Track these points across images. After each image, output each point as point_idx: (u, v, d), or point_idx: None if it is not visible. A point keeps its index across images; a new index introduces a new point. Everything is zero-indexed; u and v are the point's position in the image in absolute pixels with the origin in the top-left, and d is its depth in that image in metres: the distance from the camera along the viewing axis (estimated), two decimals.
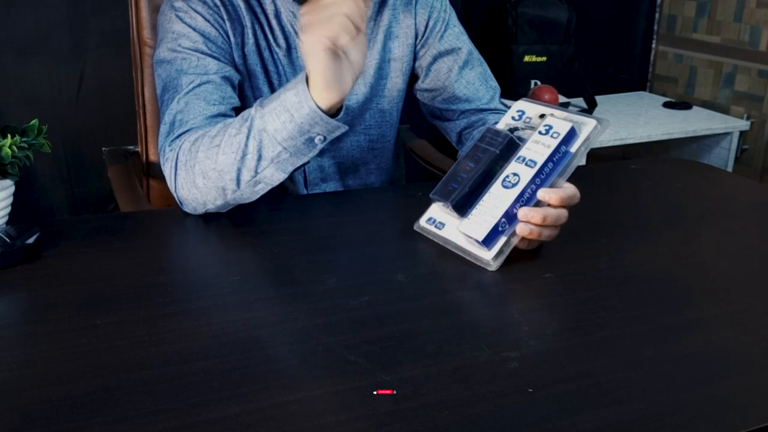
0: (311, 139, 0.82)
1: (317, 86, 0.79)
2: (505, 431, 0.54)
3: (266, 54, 1.04)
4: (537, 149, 0.80)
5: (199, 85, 0.94)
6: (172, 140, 0.91)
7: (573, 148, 0.80)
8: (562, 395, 0.58)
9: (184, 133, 0.90)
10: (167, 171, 0.91)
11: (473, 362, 0.61)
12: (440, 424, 0.54)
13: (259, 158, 0.82)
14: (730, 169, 2.38)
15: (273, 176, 0.83)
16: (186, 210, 0.91)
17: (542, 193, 0.78)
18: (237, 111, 0.98)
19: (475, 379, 0.59)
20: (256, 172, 0.83)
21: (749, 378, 0.62)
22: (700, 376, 0.61)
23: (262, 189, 0.85)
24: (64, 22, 1.94)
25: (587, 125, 0.80)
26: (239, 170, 0.83)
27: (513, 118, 0.88)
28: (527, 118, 0.87)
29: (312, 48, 0.77)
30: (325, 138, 0.82)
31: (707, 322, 0.70)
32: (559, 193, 0.78)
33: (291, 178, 1.05)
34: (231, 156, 0.83)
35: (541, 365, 0.62)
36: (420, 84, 1.15)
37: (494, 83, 1.16)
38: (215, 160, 0.84)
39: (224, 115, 0.95)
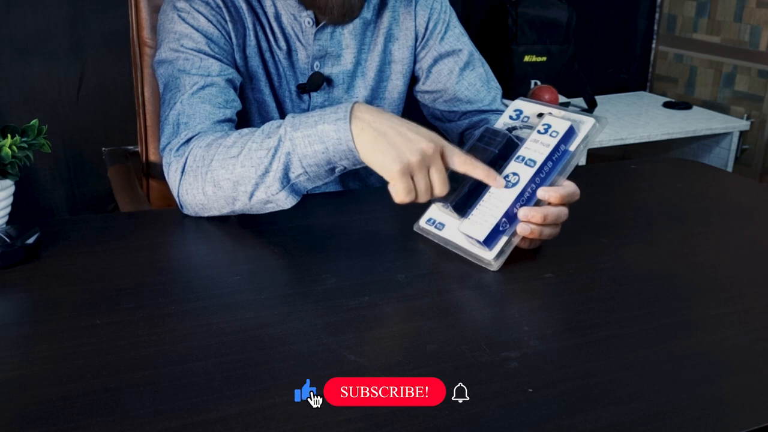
0: (333, 169, 0.81)
1: (366, 150, 0.78)
2: (505, 431, 0.54)
3: (267, 56, 1.04)
4: (536, 148, 0.80)
5: (203, 87, 0.94)
6: (181, 145, 0.90)
7: (572, 147, 0.80)
8: (562, 395, 0.58)
9: (192, 137, 0.90)
10: (172, 174, 0.90)
11: (473, 362, 0.61)
12: (440, 424, 0.54)
13: (281, 179, 0.81)
14: (730, 169, 2.38)
15: (286, 200, 0.83)
16: (185, 212, 0.91)
17: (542, 192, 0.78)
18: (238, 113, 0.98)
19: (475, 379, 0.59)
20: (272, 193, 0.82)
21: (749, 378, 0.62)
22: (700, 376, 0.61)
23: (271, 208, 0.85)
24: (64, 22, 1.94)
25: (586, 124, 0.80)
26: (257, 185, 0.82)
27: (510, 117, 0.88)
28: (525, 117, 0.87)
29: (384, 156, 0.76)
30: (345, 168, 0.82)
31: (707, 322, 0.70)
32: (559, 191, 0.78)
33: None
34: (251, 170, 0.82)
35: (541, 365, 0.62)
36: (421, 86, 1.15)
37: (496, 84, 1.15)
38: (231, 171, 0.83)
39: (230, 120, 0.94)
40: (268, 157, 0.81)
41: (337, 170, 0.82)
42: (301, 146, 0.79)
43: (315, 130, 0.79)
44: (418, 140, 0.76)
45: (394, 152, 0.76)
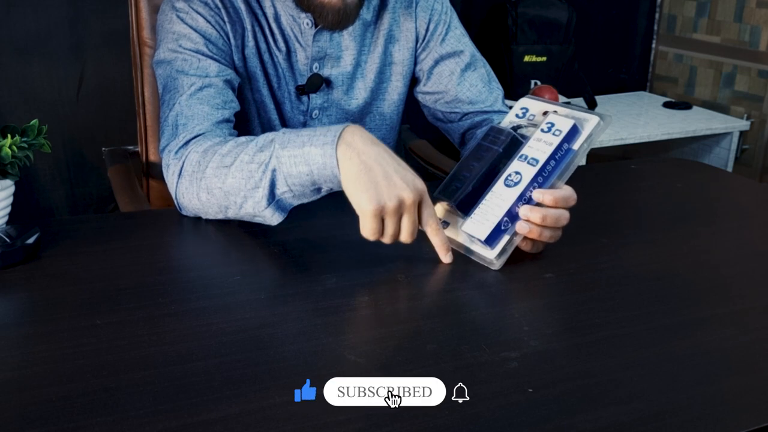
0: (319, 189, 0.81)
1: (347, 179, 0.76)
2: (505, 431, 0.54)
3: (266, 57, 1.04)
4: (539, 147, 0.80)
5: (201, 88, 0.94)
6: (179, 147, 0.90)
7: (575, 146, 0.80)
8: (562, 395, 0.58)
9: (191, 139, 0.90)
10: (170, 176, 0.90)
11: (473, 362, 0.61)
12: (440, 424, 0.54)
13: (268, 195, 0.80)
14: (730, 169, 2.38)
15: (273, 217, 0.82)
16: (184, 214, 0.91)
17: (537, 194, 0.78)
18: (237, 114, 0.98)
19: (475, 379, 0.59)
20: (259, 210, 0.81)
21: (749, 378, 0.62)
22: (700, 376, 0.61)
23: (259, 221, 0.84)
24: (64, 22, 1.94)
25: (590, 122, 0.80)
26: (246, 198, 0.81)
27: (517, 115, 0.88)
28: (531, 115, 0.87)
29: (360, 197, 0.74)
30: (331, 189, 0.81)
31: (707, 322, 0.70)
32: (554, 193, 0.78)
33: None
34: (241, 182, 0.81)
35: (541, 365, 0.62)
36: (422, 87, 1.15)
37: (497, 85, 1.15)
38: (223, 181, 0.83)
39: (228, 120, 0.94)
40: (258, 171, 0.80)
41: (323, 191, 0.81)
42: (287, 165, 0.78)
43: (302, 151, 0.77)
44: (401, 186, 0.75)
45: (373, 191, 0.74)
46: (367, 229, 0.75)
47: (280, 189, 0.80)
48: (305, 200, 0.82)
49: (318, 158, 0.77)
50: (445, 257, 0.79)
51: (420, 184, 0.76)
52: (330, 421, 0.54)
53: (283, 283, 0.77)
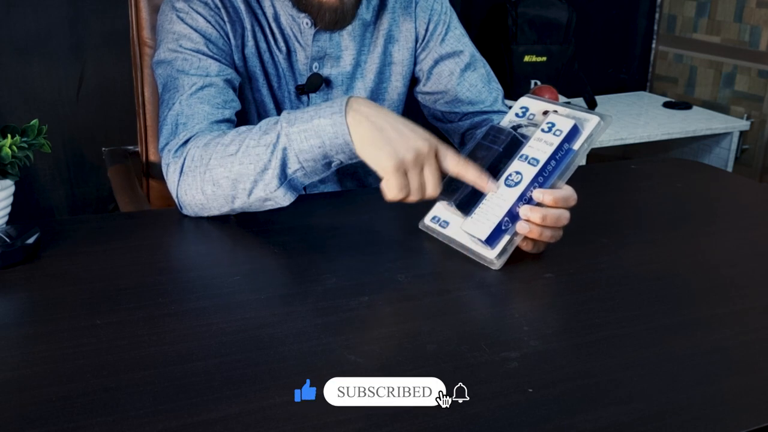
0: (330, 163, 0.82)
1: (362, 143, 0.78)
2: (505, 431, 0.54)
3: (266, 57, 1.04)
4: (540, 147, 0.80)
5: (201, 88, 0.94)
6: (179, 146, 0.90)
7: (576, 146, 0.80)
8: (562, 395, 0.58)
9: (190, 138, 0.90)
10: (170, 175, 0.90)
11: (473, 362, 0.61)
12: (440, 424, 0.54)
13: (279, 175, 0.81)
14: (730, 169, 2.38)
15: (284, 197, 0.83)
16: (185, 213, 0.91)
17: (537, 194, 0.78)
18: (237, 114, 0.98)
19: (475, 379, 0.59)
20: (271, 191, 0.82)
21: (749, 378, 0.62)
22: (700, 376, 0.61)
23: (270, 205, 0.84)
24: (64, 22, 1.94)
25: (590, 122, 0.80)
26: (255, 182, 0.82)
27: (517, 115, 0.88)
28: (531, 114, 0.87)
29: (380, 150, 0.76)
30: (342, 162, 0.82)
31: (707, 322, 0.70)
32: (554, 193, 0.78)
33: None
34: (249, 167, 0.82)
35: (541, 365, 0.62)
36: (421, 87, 1.15)
37: (497, 85, 1.15)
38: (230, 169, 0.83)
39: (228, 120, 0.94)
40: (266, 153, 0.81)
41: (333, 165, 0.82)
42: (297, 141, 0.79)
43: (311, 124, 0.79)
44: (414, 138, 0.77)
45: (390, 148, 0.76)
46: (392, 187, 0.77)
47: (292, 167, 0.81)
48: (315, 178, 0.83)
49: (328, 128, 0.78)
50: (487, 187, 0.79)
51: (430, 134, 0.79)
52: (330, 421, 0.54)
53: (283, 283, 0.77)
